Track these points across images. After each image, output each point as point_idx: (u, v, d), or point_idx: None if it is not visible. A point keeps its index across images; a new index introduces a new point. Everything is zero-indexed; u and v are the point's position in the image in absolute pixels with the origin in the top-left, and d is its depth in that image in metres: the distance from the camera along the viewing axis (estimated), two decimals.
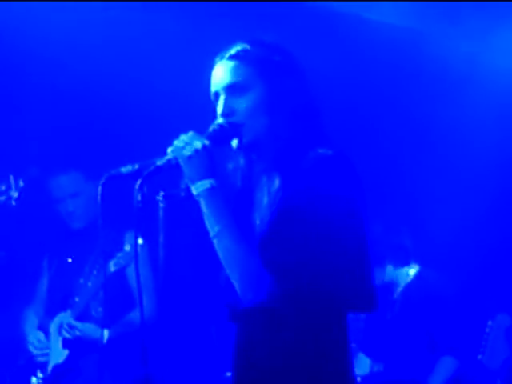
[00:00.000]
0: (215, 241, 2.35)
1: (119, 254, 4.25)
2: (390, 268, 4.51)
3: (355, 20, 4.91)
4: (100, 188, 2.38)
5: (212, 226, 2.35)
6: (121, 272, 4.27)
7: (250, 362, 2.41)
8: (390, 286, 4.52)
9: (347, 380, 2.38)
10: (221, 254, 2.35)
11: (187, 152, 2.34)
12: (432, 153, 5.01)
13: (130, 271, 4.32)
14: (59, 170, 4.58)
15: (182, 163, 2.35)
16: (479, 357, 4.44)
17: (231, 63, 2.46)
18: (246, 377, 2.42)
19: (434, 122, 5.03)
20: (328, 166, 2.33)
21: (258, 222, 2.40)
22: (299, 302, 2.33)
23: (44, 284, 4.67)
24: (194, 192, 2.35)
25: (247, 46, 2.47)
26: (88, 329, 4.32)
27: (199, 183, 2.35)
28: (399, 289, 4.52)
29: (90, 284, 4.41)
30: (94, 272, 4.45)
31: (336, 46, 4.84)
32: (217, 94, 2.47)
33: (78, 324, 4.33)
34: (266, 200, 2.41)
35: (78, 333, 4.31)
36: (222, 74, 2.46)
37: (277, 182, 2.41)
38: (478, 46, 4.94)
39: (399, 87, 4.97)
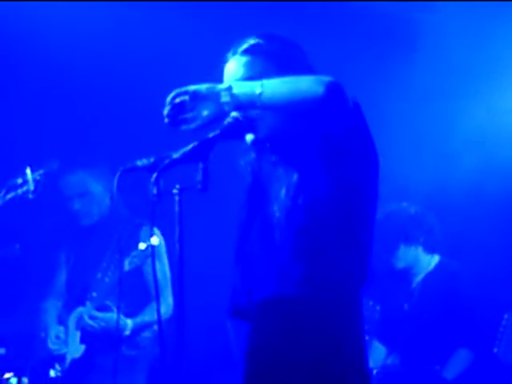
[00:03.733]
0: (265, 91, 2.28)
1: (134, 253, 4.26)
2: (419, 249, 4.49)
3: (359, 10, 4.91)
4: (115, 181, 2.38)
5: (253, 88, 2.29)
6: (137, 269, 4.29)
7: (263, 355, 2.41)
8: (410, 272, 4.50)
9: (362, 372, 2.39)
10: (276, 92, 2.29)
11: None
12: (472, 144, 4.99)
13: (146, 268, 4.34)
14: (68, 169, 4.60)
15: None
16: (495, 350, 4.42)
17: (245, 58, 2.46)
18: (260, 369, 2.43)
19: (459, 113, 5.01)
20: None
21: (277, 213, 2.40)
22: (320, 288, 2.35)
23: (62, 277, 4.70)
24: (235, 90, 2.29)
25: (260, 41, 2.47)
26: (110, 319, 4.33)
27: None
28: (419, 278, 4.51)
29: (107, 279, 4.43)
30: (111, 267, 4.47)
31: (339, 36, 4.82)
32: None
33: (101, 314, 4.35)
34: (284, 192, 2.41)
35: (101, 323, 4.33)
36: (235, 69, 2.46)
37: (295, 175, 2.41)
38: None
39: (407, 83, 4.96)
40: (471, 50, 4.89)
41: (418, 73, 4.90)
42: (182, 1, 4.81)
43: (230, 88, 2.28)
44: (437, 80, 4.95)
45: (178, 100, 2.29)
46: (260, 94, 2.26)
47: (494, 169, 4.87)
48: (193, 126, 2.30)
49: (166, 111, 2.33)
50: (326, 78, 2.28)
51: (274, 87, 2.28)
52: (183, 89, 2.31)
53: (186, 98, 2.29)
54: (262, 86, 2.27)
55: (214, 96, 2.28)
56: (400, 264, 4.45)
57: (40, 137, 5.03)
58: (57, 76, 5.00)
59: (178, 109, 2.30)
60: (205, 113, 2.28)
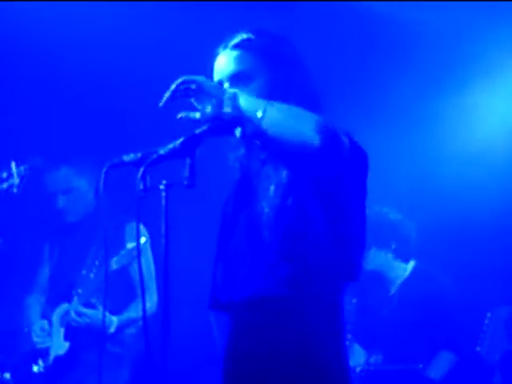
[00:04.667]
0: (266, 117, 2.27)
1: (122, 252, 4.24)
2: (389, 256, 4.50)
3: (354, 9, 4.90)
4: (102, 176, 2.37)
5: (256, 109, 2.29)
6: (124, 268, 4.27)
7: (243, 351, 2.41)
8: (383, 277, 4.51)
9: (343, 370, 2.39)
10: (275, 123, 2.29)
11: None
12: (439, 146, 5.00)
13: (133, 267, 4.32)
14: (52, 165, 4.58)
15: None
16: (478, 349, 4.44)
17: (235, 52, 2.46)
18: (242, 366, 2.43)
19: (439, 115, 5.02)
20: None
21: (266, 210, 2.40)
22: (304, 288, 2.35)
23: (45, 272, 4.68)
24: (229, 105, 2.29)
25: (251, 36, 2.47)
26: (96, 316, 4.32)
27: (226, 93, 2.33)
28: (396, 284, 4.52)
29: (92, 276, 4.42)
30: (96, 263, 4.46)
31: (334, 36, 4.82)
32: (220, 83, 2.47)
33: (88, 311, 4.33)
34: (272, 189, 2.41)
35: (86, 319, 4.31)
36: (225, 63, 2.46)
37: (284, 173, 2.41)
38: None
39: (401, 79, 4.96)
40: (467, 49, 4.91)
41: (412, 74, 4.91)
42: (180, 0, 4.79)
43: (234, 97, 2.27)
44: (430, 81, 4.96)
45: (182, 87, 2.29)
46: (261, 118, 2.26)
47: (486, 174, 4.90)
48: (196, 116, 2.30)
49: (167, 93, 2.32)
50: (329, 125, 2.27)
51: (277, 117, 2.27)
52: (192, 77, 2.30)
53: (193, 86, 2.28)
54: (265, 110, 2.27)
55: (218, 99, 2.28)
56: (368, 266, 4.44)
57: (25, 132, 5.01)
58: (42, 72, 4.98)
59: (180, 94, 2.30)
60: (208, 110, 2.28)
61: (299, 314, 2.36)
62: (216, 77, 2.48)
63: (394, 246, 4.49)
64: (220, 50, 2.49)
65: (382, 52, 4.97)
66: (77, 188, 4.57)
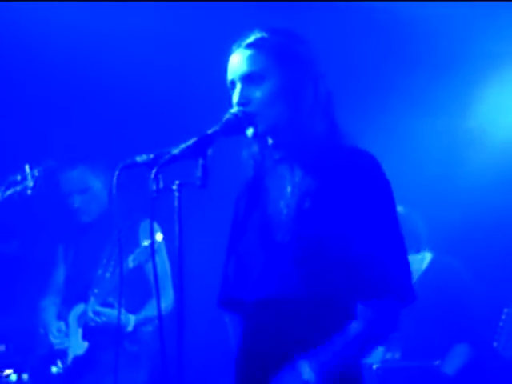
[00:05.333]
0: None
1: (138, 250, 4.25)
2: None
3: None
4: (115, 177, 2.38)
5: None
6: (140, 266, 4.28)
7: (255, 351, 2.42)
8: None
9: (356, 374, 2.38)
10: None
11: None
12: (448, 138, 4.99)
13: (149, 265, 4.33)
14: (67, 165, 4.60)
15: None
16: (494, 344, 4.42)
17: (248, 52, 2.45)
18: (250, 366, 2.44)
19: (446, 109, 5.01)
20: (367, 164, 2.38)
21: (285, 210, 2.40)
22: (329, 291, 2.34)
23: (60, 274, 4.69)
24: None
25: (265, 35, 2.46)
26: (114, 315, 4.33)
27: None
28: (414, 276, 4.50)
29: (108, 275, 4.43)
30: (112, 263, 4.47)
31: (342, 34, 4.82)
32: (233, 83, 2.47)
33: (105, 310, 4.35)
34: (289, 189, 2.41)
35: (104, 318, 4.32)
36: (238, 62, 2.45)
37: (299, 173, 2.41)
38: None
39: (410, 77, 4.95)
40: (477, 45, 4.90)
41: (421, 71, 4.90)
42: (182, 0, 4.80)
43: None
44: (440, 78, 4.95)
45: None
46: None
47: (495, 166, 4.88)
48: None
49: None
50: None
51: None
52: None
53: None
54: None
55: None
56: None
57: (39, 133, 5.03)
58: (56, 73, 5.00)
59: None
60: None
61: (311, 318, 2.35)
62: (229, 76, 2.48)
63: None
64: (234, 48, 2.48)
65: (392, 49, 4.96)
66: (92, 188, 4.58)
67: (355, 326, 2.32)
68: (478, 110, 5.03)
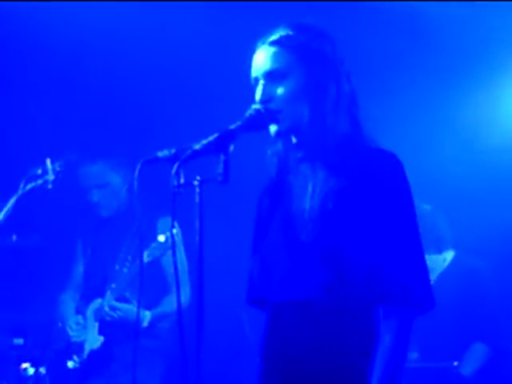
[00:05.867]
0: None
1: (153, 245, 4.25)
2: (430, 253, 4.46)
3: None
4: (136, 172, 2.38)
5: None
6: (155, 261, 4.29)
7: (283, 351, 2.41)
8: None
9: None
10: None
11: None
12: (471, 136, 4.96)
13: (165, 260, 4.34)
14: (87, 159, 4.61)
15: None
16: None
17: (272, 49, 2.44)
18: (278, 364, 2.43)
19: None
20: (390, 164, 2.37)
21: (308, 209, 2.39)
22: (349, 295, 2.34)
23: (79, 269, 4.71)
24: None
25: (289, 32, 2.45)
26: (130, 310, 4.34)
27: None
28: (434, 276, 4.48)
29: (125, 270, 4.44)
30: (129, 258, 4.48)
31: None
32: (256, 79, 2.46)
33: (121, 305, 4.36)
34: (312, 188, 2.40)
35: (120, 313, 4.33)
36: (262, 59, 2.45)
37: (322, 172, 2.41)
38: None
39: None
40: (491, 44, 4.87)
41: (434, 69, 4.88)
42: (187, 0, 4.80)
43: None
44: (442, 73, 4.92)
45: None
46: None
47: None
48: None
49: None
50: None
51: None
52: None
53: None
54: None
55: None
56: None
57: (61, 128, 5.05)
58: (78, 68, 5.01)
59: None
60: None
61: (332, 320, 2.34)
62: (253, 73, 2.48)
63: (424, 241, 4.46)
64: (259, 45, 2.48)
65: (410, 47, 4.93)
66: (110, 183, 4.59)
67: (384, 343, 2.32)
68: (503, 112, 5.00)
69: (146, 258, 4.24)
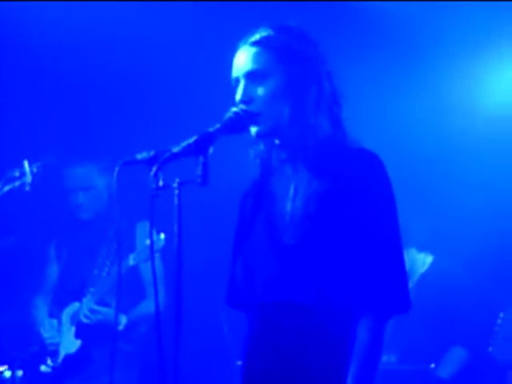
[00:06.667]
0: None
1: (140, 248, 4.24)
2: (413, 251, 4.48)
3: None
4: (115, 174, 2.36)
5: None
6: (133, 267, 4.27)
7: (266, 352, 2.41)
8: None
9: None
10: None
11: None
12: (448, 140, 4.98)
13: (142, 264, 4.32)
14: (75, 161, 4.59)
15: None
16: (490, 349, 4.42)
17: (253, 49, 2.43)
18: (261, 365, 2.42)
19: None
20: (372, 165, 2.37)
21: (290, 211, 2.38)
22: (331, 296, 2.33)
23: (53, 272, 4.67)
24: None
25: (270, 32, 2.44)
26: (109, 314, 4.32)
27: None
28: (414, 278, 4.50)
29: (104, 275, 4.42)
30: (108, 262, 4.46)
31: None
32: (237, 80, 2.46)
33: (101, 308, 4.33)
34: (294, 190, 2.40)
35: (99, 316, 4.31)
36: (243, 60, 2.44)
37: (304, 173, 2.40)
38: None
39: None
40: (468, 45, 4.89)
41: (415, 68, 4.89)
42: (184, 0, 4.79)
43: None
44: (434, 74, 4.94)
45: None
46: None
47: (493, 166, 4.87)
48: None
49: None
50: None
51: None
52: None
53: None
54: None
55: None
56: None
57: (42, 129, 5.02)
58: (63, 71, 4.98)
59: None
60: None
61: (315, 322, 2.35)
62: (233, 73, 2.47)
63: (413, 241, 4.48)
64: (240, 45, 2.47)
65: (383, 48, 4.93)
66: (96, 186, 4.57)
67: (360, 342, 2.32)
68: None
69: (131, 260, 4.22)
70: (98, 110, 5.08)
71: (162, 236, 4.15)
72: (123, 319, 4.36)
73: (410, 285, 4.40)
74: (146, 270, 4.37)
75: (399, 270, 2.36)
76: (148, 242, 4.22)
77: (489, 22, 4.77)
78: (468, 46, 4.87)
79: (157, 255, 4.35)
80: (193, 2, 4.79)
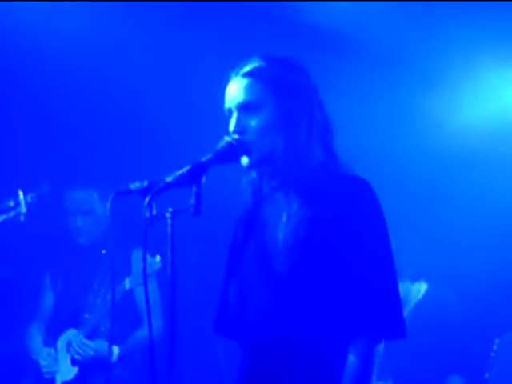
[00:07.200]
0: None
1: (136, 272, 4.24)
2: (407, 283, 4.49)
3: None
4: (108, 204, 2.38)
5: None
6: (130, 291, 4.27)
7: (258, 380, 2.41)
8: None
9: None
10: None
11: None
12: (441, 163, 4.98)
13: (138, 290, 4.32)
14: (76, 185, 4.61)
15: None
16: (486, 375, 4.41)
17: (245, 81, 2.46)
18: None
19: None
20: (361, 191, 2.39)
21: (281, 239, 2.41)
22: (324, 325, 2.34)
23: (48, 301, 4.66)
24: None
25: (262, 63, 2.47)
26: (100, 346, 4.32)
27: None
28: (409, 307, 4.50)
29: (99, 301, 4.42)
30: (103, 289, 4.46)
31: None
32: (230, 111, 2.48)
33: (90, 343, 4.33)
34: (285, 217, 2.42)
35: (90, 351, 4.30)
36: (235, 91, 2.47)
37: (295, 201, 2.42)
38: None
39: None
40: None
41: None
42: (184, 1, 4.80)
43: None
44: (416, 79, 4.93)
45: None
46: None
47: (489, 191, 4.87)
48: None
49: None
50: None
51: None
52: None
53: None
54: None
55: None
56: None
57: (37, 157, 5.02)
58: (61, 92, 4.97)
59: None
60: None
61: (308, 351, 2.35)
62: (226, 104, 2.50)
63: (408, 272, 4.49)
64: (232, 76, 2.50)
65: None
66: (96, 211, 4.58)
67: (350, 366, 2.33)
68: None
69: (127, 284, 4.23)
70: (101, 136, 5.08)
71: (158, 258, 4.16)
72: (115, 350, 4.34)
73: (406, 313, 4.45)
74: (141, 296, 4.37)
75: (392, 295, 2.36)
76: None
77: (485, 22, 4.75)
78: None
79: (153, 281, 4.35)
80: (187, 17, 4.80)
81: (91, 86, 4.92)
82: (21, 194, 4.17)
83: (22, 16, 4.73)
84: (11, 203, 4.18)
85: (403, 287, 4.48)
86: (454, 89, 4.90)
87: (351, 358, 2.32)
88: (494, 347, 4.43)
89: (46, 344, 4.52)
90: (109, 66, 4.86)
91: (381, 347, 2.37)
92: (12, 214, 4.19)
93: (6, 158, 5.04)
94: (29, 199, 4.19)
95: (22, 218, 4.18)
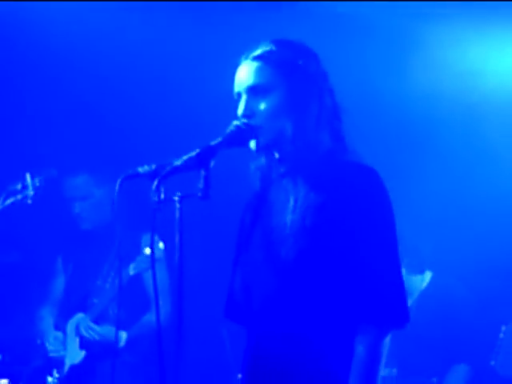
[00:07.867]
0: None
1: (139, 258, 4.25)
2: (410, 273, 4.48)
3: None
4: (117, 188, 2.37)
5: None
6: (138, 275, 4.28)
7: (264, 366, 2.41)
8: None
9: None
10: None
11: None
12: (451, 155, 4.96)
13: (147, 274, 4.33)
14: (72, 171, 4.61)
15: None
16: (492, 363, 4.41)
17: (255, 64, 2.45)
18: (260, 380, 2.43)
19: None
20: (369, 180, 2.38)
21: (288, 225, 2.40)
22: (330, 310, 2.34)
23: (59, 284, 4.68)
24: None
25: (272, 47, 2.46)
26: (106, 332, 4.33)
27: None
28: (414, 296, 4.50)
29: (107, 286, 4.43)
30: (112, 274, 4.47)
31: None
32: (239, 94, 2.47)
33: (97, 327, 4.34)
34: (292, 203, 2.41)
35: (96, 336, 4.32)
36: (245, 74, 2.46)
37: (303, 187, 2.42)
38: None
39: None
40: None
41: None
42: (184, 0, 4.79)
43: None
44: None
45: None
46: None
47: (493, 180, 4.86)
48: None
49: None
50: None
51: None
52: None
53: None
54: None
55: None
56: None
57: (42, 141, 5.02)
58: (61, 80, 4.99)
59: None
60: None
61: (313, 337, 2.35)
62: (235, 87, 2.49)
63: (405, 261, 4.48)
64: (242, 60, 2.49)
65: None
66: (93, 196, 4.58)
67: (358, 357, 2.32)
68: None
69: (131, 270, 4.24)
70: (98, 119, 5.08)
71: (161, 245, 4.16)
72: (123, 335, 4.36)
73: (411, 302, 4.47)
74: (149, 281, 4.38)
75: (397, 284, 2.36)
76: (147, 251, 4.23)
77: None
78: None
79: (161, 266, 4.35)
80: (191, 12, 4.79)
81: (94, 74, 4.93)
82: (28, 177, 4.18)
83: (22, 16, 4.75)
84: (19, 186, 4.19)
85: (407, 276, 4.48)
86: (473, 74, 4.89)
87: (359, 349, 2.32)
88: (501, 335, 4.43)
89: (56, 327, 4.53)
90: (113, 51, 4.86)
91: (387, 338, 2.36)
92: (19, 196, 4.20)
93: (9, 147, 5.06)
94: (37, 183, 4.19)
95: (29, 201, 4.18)
